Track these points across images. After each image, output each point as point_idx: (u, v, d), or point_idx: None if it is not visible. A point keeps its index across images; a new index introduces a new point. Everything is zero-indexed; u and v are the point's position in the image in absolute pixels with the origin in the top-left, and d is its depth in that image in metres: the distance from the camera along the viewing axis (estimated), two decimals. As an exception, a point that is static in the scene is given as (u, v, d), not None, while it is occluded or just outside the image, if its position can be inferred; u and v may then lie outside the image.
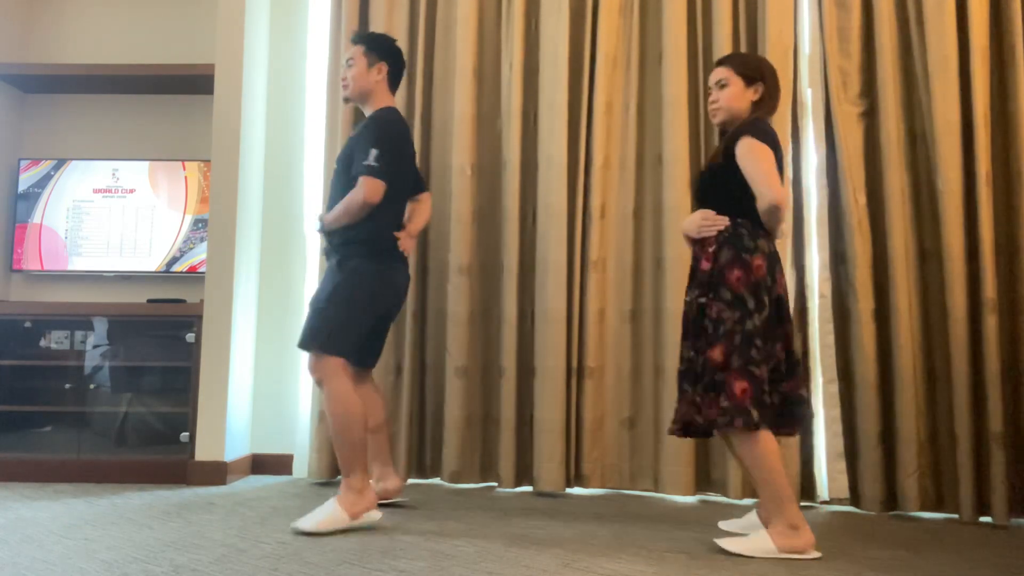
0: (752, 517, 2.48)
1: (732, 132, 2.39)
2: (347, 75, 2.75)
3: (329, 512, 2.42)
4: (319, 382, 2.55)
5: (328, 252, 2.68)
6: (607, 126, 3.26)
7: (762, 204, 2.28)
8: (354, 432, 2.49)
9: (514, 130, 3.27)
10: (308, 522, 2.39)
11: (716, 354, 2.27)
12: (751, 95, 2.43)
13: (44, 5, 3.80)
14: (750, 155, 2.32)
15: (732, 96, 2.43)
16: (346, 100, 2.81)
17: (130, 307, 3.33)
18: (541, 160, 3.25)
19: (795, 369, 2.39)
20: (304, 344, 2.56)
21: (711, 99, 2.48)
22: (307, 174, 3.53)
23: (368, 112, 2.75)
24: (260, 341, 3.52)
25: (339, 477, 3.26)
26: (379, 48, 2.76)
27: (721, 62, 2.49)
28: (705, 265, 2.36)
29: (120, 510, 2.68)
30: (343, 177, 2.66)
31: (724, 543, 2.27)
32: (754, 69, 2.45)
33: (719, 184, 2.41)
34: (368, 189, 2.54)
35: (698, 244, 2.41)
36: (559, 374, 3.14)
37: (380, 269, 2.62)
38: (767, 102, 2.45)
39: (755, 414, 2.21)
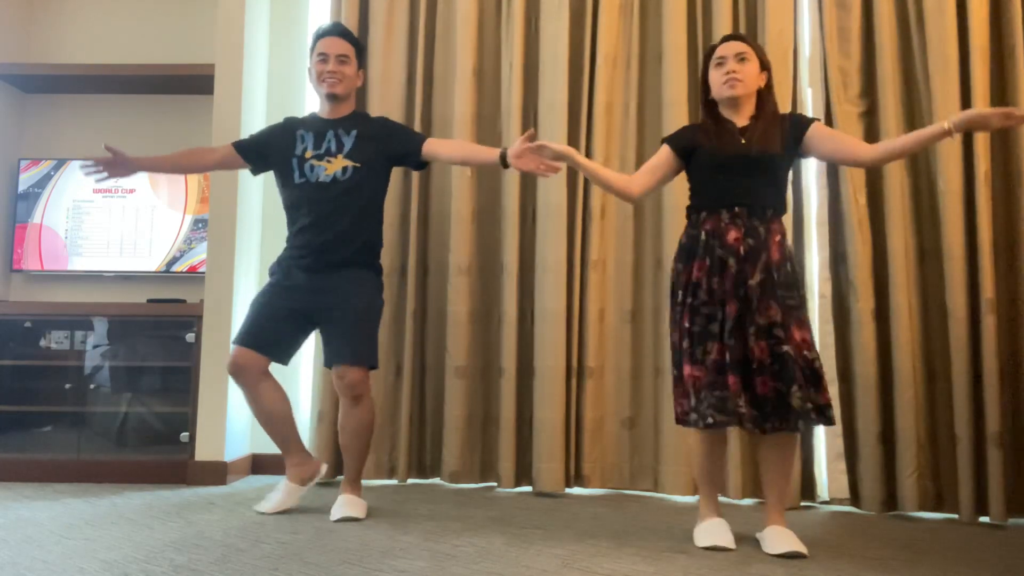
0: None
1: (796, 120, 2.44)
2: (342, 70, 2.71)
3: (360, 503, 2.69)
4: (360, 397, 2.65)
5: (349, 252, 2.68)
6: (607, 126, 3.26)
7: (874, 154, 2.36)
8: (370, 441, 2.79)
9: (514, 130, 3.27)
10: (359, 510, 2.64)
11: (813, 347, 2.28)
12: (760, 81, 2.42)
13: (44, 5, 3.80)
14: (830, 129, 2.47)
15: (752, 74, 2.40)
16: (333, 97, 2.72)
17: (130, 307, 3.33)
18: (541, 160, 3.25)
19: None
20: (365, 360, 2.64)
21: (730, 69, 2.37)
22: (307, 174, 3.54)
23: (340, 111, 2.76)
24: (260, 341, 3.52)
25: (339, 478, 3.26)
26: (364, 58, 2.83)
27: (738, 37, 2.44)
28: (775, 255, 2.31)
29: (120, 510, 2.68)
30: (375, 173, 2.72)
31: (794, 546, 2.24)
32: (767, 58, 2.46)
33: (782, 174, 2.43)
34: None
35: (761, 227, 2.33)
36: (559, 374, 3.14)
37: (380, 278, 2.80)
38: (772, 94, 2.46)
39: None
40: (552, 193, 3.21)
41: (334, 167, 2.67)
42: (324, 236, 2.66)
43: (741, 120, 2.42)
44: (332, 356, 2.65)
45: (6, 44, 3.63)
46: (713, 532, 2.33)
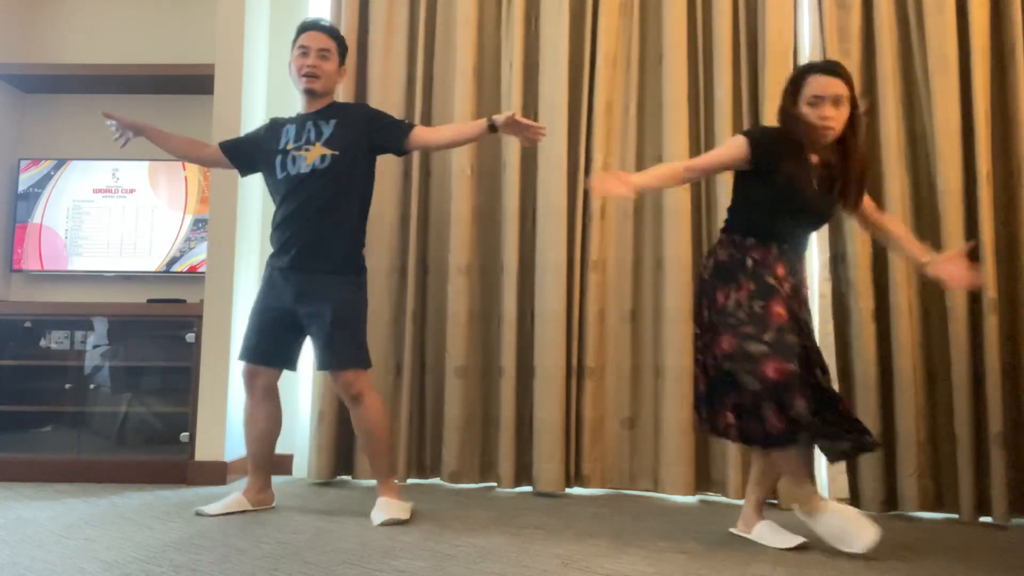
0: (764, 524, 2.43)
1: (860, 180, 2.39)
2: (321, 66, 2.65)
3: (397, 503, 2.61)
4: (358, 397, 2.60)
5: (323, 257, 2.61)
6: (607, 126, 3.26)
7: (866, 221, 2.51)
8: (388, 437, 2.73)
9: (514, 130, 3.27)
10: (398, 511, 2.56)
11: None
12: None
13: (44, 5, 3.80)
14: None
15: (844, 117, 2.29)
16: (311, 92, 2.66)
17: (130, 307, 3.33)
18: (541, 160, 3.25)
19: None
20: (349, 364, 2.59)
21: (827, 115, 2.26)
22: (307, 174, 3.53)
23: (318, 107, 2.70)
24: (260, 341, 3.52)
25: (339, 477, 3.27)
26: (345, 53, 2.77)
27: (837, 74, 2.29)
28: (805, 291, 2.43)
29: (120, 510, 2.68)
30: (356, 162, 2.65)
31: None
32: (854, 88, 2.33)
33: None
34: None
35: (799, 263, 2.43)
36: (559, 374, 3.13)
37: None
38: (857, 124, 2.36)
39: None
40: (552, 193, 3.21)
41: (313, 155, 2.61)
42: (302, 229, 2.60)
43: (820, 155, 2.35)
44: (320, 361, 2.64)
45: (6, 44, 3.63)
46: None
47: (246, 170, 2.84)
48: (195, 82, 3.51)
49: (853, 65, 3.12)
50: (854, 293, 3.00)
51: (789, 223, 2.37)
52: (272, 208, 3.24)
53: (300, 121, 2.71)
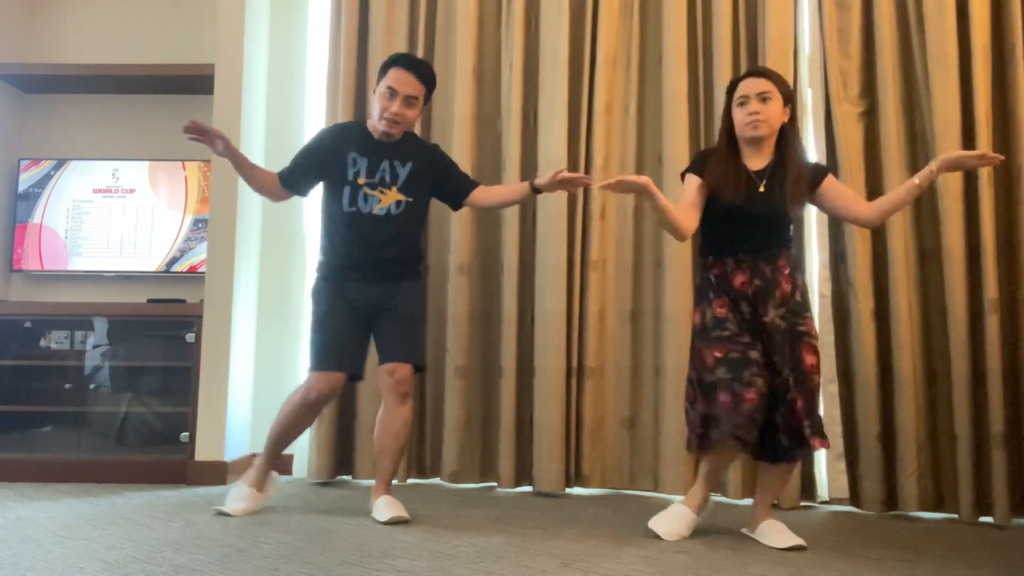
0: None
1: (813, 170, 2.43)
2: (405, 114, 2.59)
3: (399, 504, 2.59)
4: (406, 395, 2.64)
5: (401, 266, 2.68)
6: (607, 126, 3.26)
7: (873, 213, 2.38)
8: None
9: (514, 130, 3.27)
10: (403, 510, 2.57)
11: (819, 377, 2.37)
12: (784, 116, 2.40)
13: (44, 5, 3.80)
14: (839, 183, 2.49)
15: (776, 112, 2.37)
16: (388, 136, 2.64)
17: (130, 307, 3.33)
18: (541, 160, 3.25)
19: None
20: (416, 359, 2.67)
21: (753, 110, 2.36)
22: (307, 174, 3.53)
23: (392, 137, 2.69)
24: (260, 341, 3.52)
25: (339, 477, 3.28)
26: (432, 91, 2.73)
27: (761, 74, 2.41)
28: (786, 287, 2.36)
29: (120, 510, 2.68)
30: (423, 205, 2.73)
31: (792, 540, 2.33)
32: (790, 90, 2.43)
33: (792, 219, 2.50)
34: None
35: (766, 262, 2.36)
36: (559, 374, 3.14)
37: None
38: (797, 130, 2.46)
39: None
40: (552, 194, 3.21)
41: (388, 199, 2.64)
42: (374, 261, 2.65)
43: (759, 160, 2.42)
44: (386, 354, 2.64)
45: (6, 44, 3.63)
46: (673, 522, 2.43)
47: (307, 193, 2.81)
48: (195, 82, 3.50)
49: (853, 65, 3.12)
50: (854, 293, 3.00)
51: (737, 229, 2.40)
52: (272, 209, 3.24)
53: (373, 154, 2.65)
